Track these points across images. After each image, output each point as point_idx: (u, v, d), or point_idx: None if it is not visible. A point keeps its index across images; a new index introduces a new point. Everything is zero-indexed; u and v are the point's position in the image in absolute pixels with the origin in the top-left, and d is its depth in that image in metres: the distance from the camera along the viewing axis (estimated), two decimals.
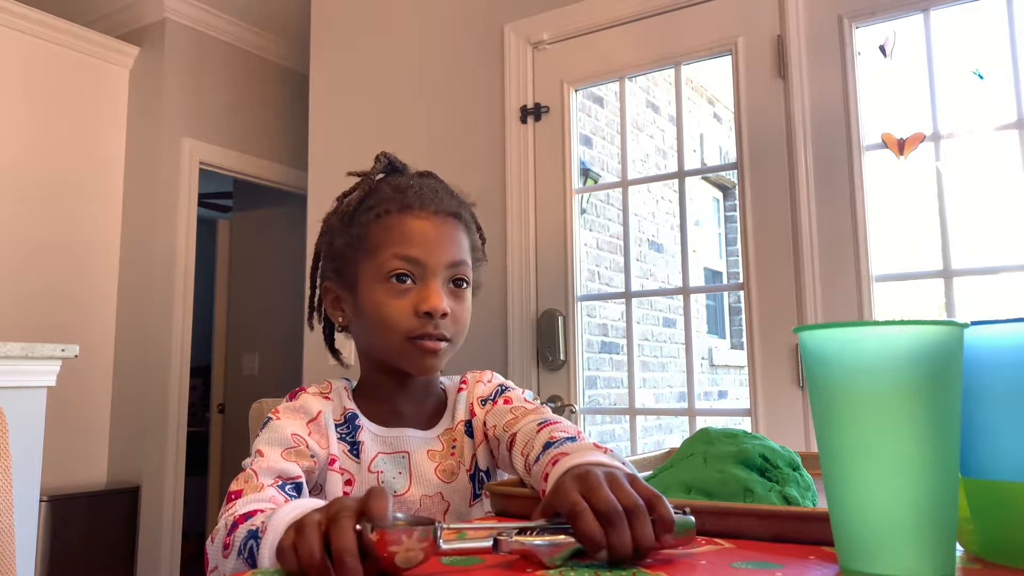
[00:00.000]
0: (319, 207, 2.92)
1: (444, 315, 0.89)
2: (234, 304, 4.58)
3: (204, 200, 4.57)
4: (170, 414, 3.40)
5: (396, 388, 0.95)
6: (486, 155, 2.46)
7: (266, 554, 0.62)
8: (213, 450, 4.51)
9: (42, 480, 2.00)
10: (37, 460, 1.94)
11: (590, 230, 3.95)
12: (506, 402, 0.96)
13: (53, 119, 3.35)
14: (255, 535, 0.65)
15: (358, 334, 0.96)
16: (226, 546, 0.69)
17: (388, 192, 0.94)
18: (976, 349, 0.53)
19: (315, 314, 1.02)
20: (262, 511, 0.70)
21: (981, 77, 2.04)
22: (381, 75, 2.81)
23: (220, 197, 5.31)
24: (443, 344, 0.90)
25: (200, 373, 4.63)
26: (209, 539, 0.73)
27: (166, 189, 3.52)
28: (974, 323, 0.54)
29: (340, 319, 0.97)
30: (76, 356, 2.05)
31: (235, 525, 0.70)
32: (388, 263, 0.89)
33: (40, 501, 2.09)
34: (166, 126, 3.53)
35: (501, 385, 1.00)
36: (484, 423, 0.96)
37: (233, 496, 0.77)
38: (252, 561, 0.65)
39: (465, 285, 0.93)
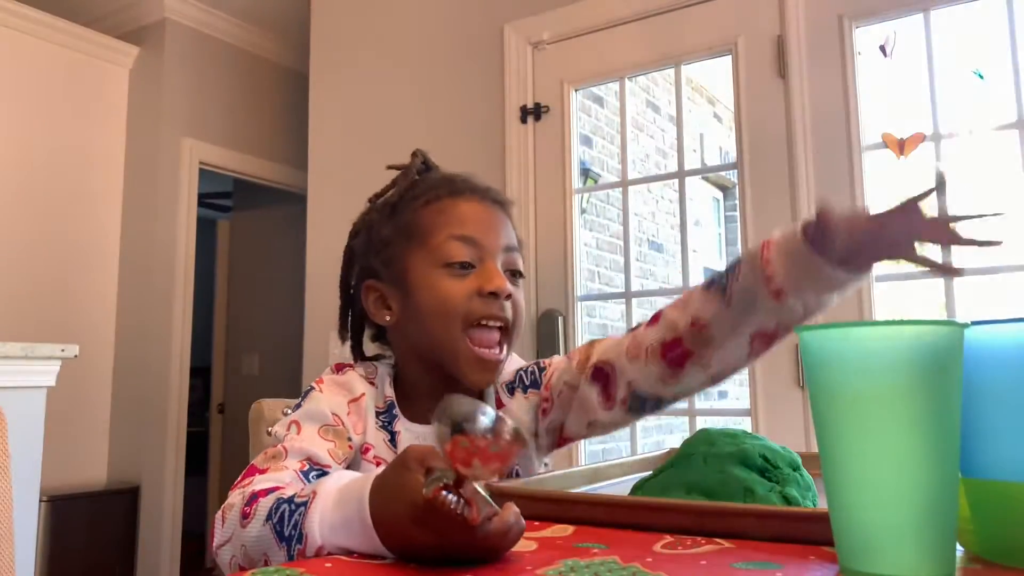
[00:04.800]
0: (319, 207, 2.92)
1: (508, 296, 0.85)
2: (234, 304, 4.58)
3: (204, 200, 4.57)
4: (170, 414, 3.40)
5: (438, 390, 0.86)
6: (486, 155, 2.46)
7: (316, 519, 0.61)
8: (213, 450, 4.51)
9: (42, 480, 2.00)
10: (37, 460, 1.94)
11: (590, 230, 3.94)
12: (557, 369, 0.93)
13: (53, 119, 3.35)
14: (290, 501, 0.65)
15: (407, 332, 0.91)
16: (245, 515, 0.68)
17: (435, 180, 0.92)
18: (977, 349, 0.53)
19: (346, 326, 0.97)
20: (279, 488, 0.70)
21: (981, 77, 2.04)
22: (381, 75, 2.80)
23: (220, 197, 5.31)
24: (502, 355, 0.87)
25: (200, 373, 4.62)
26: (219, 513, 0.72)
27: (166, 189, 3.51)
28: (974, 323, 0.54)
29: (387, 318, 0.90)
30: (76, 356, 2.05)
31: (255, 497, 0.69)
32: (444, 246, 0.85)
33: (40, 501, 2.09)
34: (166, 126, 3.53)
35: (523, 369, 0.96)
36: (547, 396, 0.92)
37: (257, 472, 0.76)
38: (281, 527, 0.64)
39: (520, 277, 0.90)
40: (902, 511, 0.47)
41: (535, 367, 0.96)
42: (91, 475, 3.37)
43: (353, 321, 0.97)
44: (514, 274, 0.89)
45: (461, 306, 0.84)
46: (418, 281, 0.87)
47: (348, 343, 0.98)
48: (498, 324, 0.86)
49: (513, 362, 0.98)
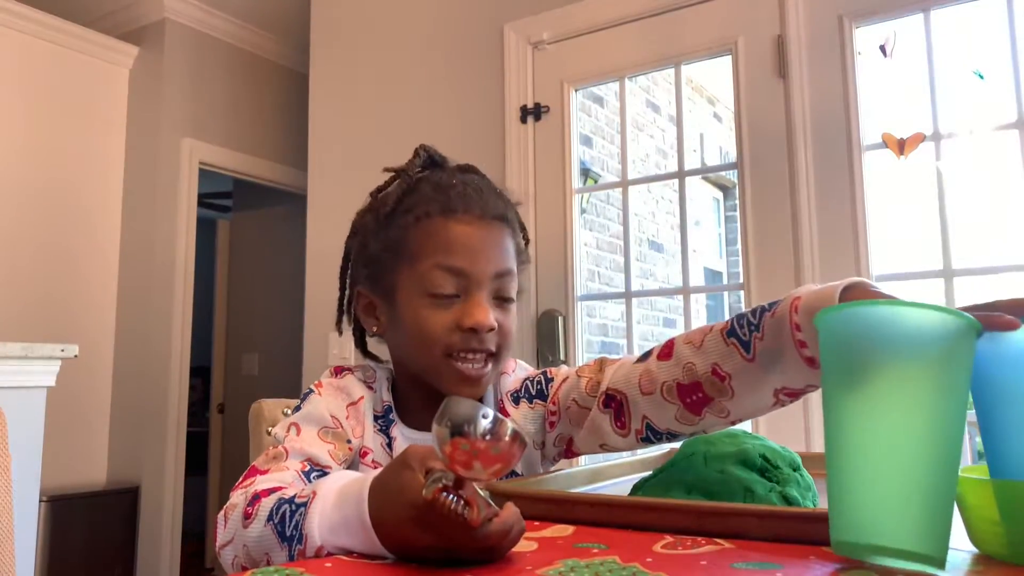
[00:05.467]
0: (319, 207, 2.92)
1: (490, 330, 0.83)
2: (234, 304, 4.59)
3: (204, 200, 4.57)
4: (170, 414, 3.40)
5: (430, 400, 0.86)
6: (486, 155, 2.46)
7: (315, 519, 0.61)
8: (213, 450, 4.51)
9: (42, 480, 2.00)
10: (37, 460, 1.94)
11: (590, 230, 3.95)
12: (564, 381, 0.91)
13: (53, 119, 3.35)
14: (291, 501, 0.64)
15: (394, 344, 0.91)
16: (247, 516, 0.68)
17: (429, 192, 0.87)
18: (1011, 349, 0.53)
19: (345, 317, 0.96)
20: (281, 489, 0.70)
21: (981, 77, 2.04)
22: (381, 75, 2.80)
23: (220, 197, 5.31)
24: (487, 367, 0.85)
25: (200, 373, 4.63)
26: (221, 513, 0.72)
27: (166, 189, 3.52)
28: None
29: (374, 328, 0.91)
30: (76, 356, 2.05)
31: (257, 497, 0.68)
32: (430, 274, 0.83)
33: (40, 501, 2.09)
34: (166, 126, 3.53)
35: (529, 378, 0.95)
36: (555, 409, 0.90)
37: (258, 473, 0.76)
38: (282, 527, 0.64)
39: (512, 300, 0.88)
40: (900, 485, 0.48)
41: (542, 377, 0.95)
42: (91, 475, 3.37)
43: (354, 319, 0.96)
44: (505, 300, 0.87)
45: (441, 339, 0.83)
46: (403, 303, 0.86)
47: (348, 338, 0.98)
48: (479, 356, 0.85)
49: (520, 371, 0.97)
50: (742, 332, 0.75)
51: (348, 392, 0.89)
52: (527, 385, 0.94)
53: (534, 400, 0.93)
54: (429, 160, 0.92)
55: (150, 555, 3.31)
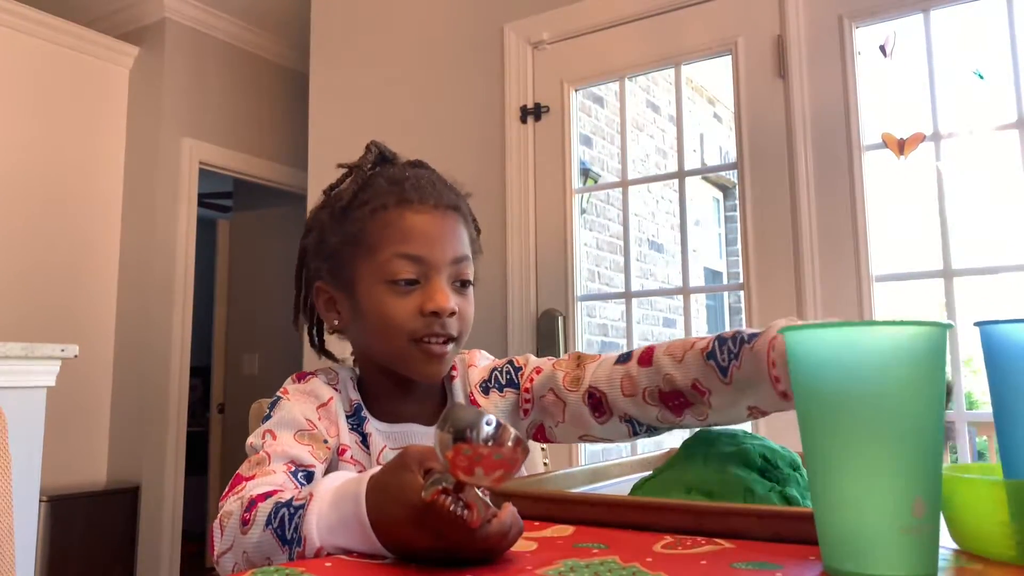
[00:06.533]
0: None
1: (452, 314, 0.86)
2: (234, 304, 4.59)
3: (204, 200, 4.57)
4: (170, 414, 3.40)
5: (398, 389, 0.92)
6: (486, 155, 2.46)
7: (313, 520, 0.61)
8: (213, 450, 4.51)
9: (42, 480, 2.00)
10: (37, 460, 1.94)
11: (590, 230, 3.95)
12: (537, 371, 0.94)
13: (53, 119, 3.35)
14: (288, 504, 0.64)
15: (356, 337, 0.93)
16: (245, 522, 0.67)
17: (384, 185, 0.89)
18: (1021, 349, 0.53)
19: (301, 315, 0.98)
20: (276, 492, 0.69)
21: (981, 77, 2.04)
22: (381, 75, 2.80)
23: (220, 197, 5.31)
24: (449, 347, 0.88)
25: (200, 373, 4.63)
26: (216, 522, 0.71)
27: (166, 189, 3.52)
28: (1013, 321, 0.54)
29: (336, 322, 0.92)
30: (76, 356, 2.05)
31: (253, 503, 0.68)
32: (389, 263, 0.85)
33: (40, 501, 2.09)
34: (166, 126, 3.53)
35: (496, 368, 0.97)
36: (529, 397, 0.93)
37: (244, 480, 0.76)
38: (282, 531, 0.64)
39: (469, 285, 0.90)
40: (885, 511, 0.47)
41: (509, 366, 0.97)
42: (91, 475, 3.37)
43: (313, 316, 0.97)
44: (464, 284, 0.89)
45: (405, 325, 0.85)
46: (364, 294, 0.87)
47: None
48: (441, 340, 0.87)
49: (484, 360, 0.99)
50: (721, 358, 0.80)
51: (316, 395, 0.89)
52: (495, 375, 0.96)
53: (504, 389, 0.95)
54: (380, 156, 0.95)
55: (150, 555, 3.31)
